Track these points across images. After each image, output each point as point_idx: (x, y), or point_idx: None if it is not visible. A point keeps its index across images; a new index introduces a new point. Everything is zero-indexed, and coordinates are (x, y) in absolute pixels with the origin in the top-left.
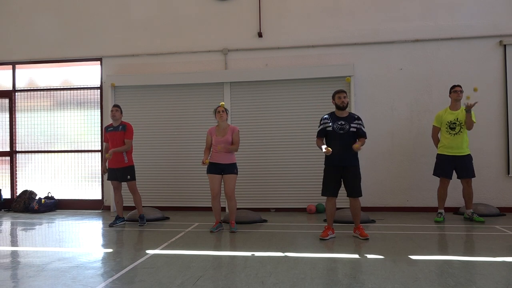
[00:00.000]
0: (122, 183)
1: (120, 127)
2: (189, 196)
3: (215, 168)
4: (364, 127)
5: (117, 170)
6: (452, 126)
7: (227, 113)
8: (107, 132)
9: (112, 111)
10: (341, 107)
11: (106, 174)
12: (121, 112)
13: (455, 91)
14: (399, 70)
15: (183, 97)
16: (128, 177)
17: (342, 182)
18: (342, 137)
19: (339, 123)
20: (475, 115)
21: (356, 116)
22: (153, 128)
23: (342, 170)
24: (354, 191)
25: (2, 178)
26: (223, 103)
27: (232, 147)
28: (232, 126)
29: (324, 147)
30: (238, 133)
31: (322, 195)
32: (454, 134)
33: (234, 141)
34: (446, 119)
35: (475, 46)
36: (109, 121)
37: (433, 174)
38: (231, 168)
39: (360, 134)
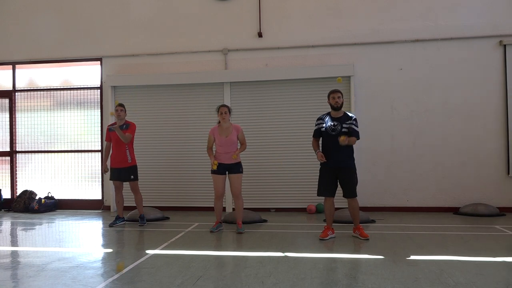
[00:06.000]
0: (124, 183)
1: (124, 126)
2: (189, 196)
3: (219, 168)
4: (357, 126)
5: (121, 170)
6: None
7: (230, 113)
8: (110, 131)
9: (117, 110)
10: (335, 107)
11: (108, 174)
12: (125, 112)
13: None
14: (399, 70)
15: (183, 97)
16: (132, 176)
17: (338, 182)
18: (334, 138)
19: (332, 123)
20: None
21: (350, 116)
22: (153, 128)
23: (336, 171)
24: (348, 192)
25: (2, 178)
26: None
27: (242, 149)
28: (235, 125)
29: (319, 154)
30: (242, 132)
31: (318, 195)
32: None
33: (241, 141)
34: None
35: (475, 46)
36: (108, 121)
37: None
38: (236, 168)
39: (351, 134)
